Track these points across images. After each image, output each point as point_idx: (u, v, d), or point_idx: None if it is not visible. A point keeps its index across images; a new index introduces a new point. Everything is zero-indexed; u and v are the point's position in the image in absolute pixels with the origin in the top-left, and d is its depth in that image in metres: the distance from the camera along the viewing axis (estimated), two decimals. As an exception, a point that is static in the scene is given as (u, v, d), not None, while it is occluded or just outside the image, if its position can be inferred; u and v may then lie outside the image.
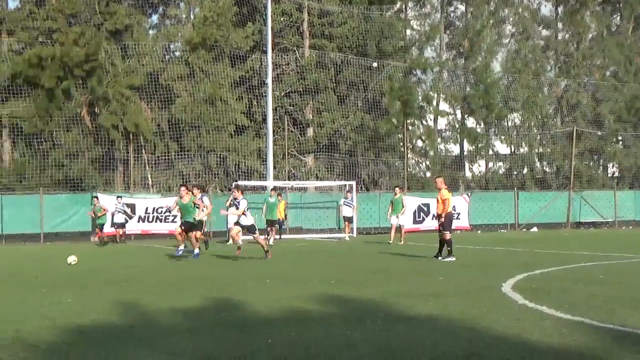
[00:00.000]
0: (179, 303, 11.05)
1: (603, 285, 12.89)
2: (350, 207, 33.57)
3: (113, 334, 8.58)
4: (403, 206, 28.63)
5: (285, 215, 34.56)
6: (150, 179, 39.93)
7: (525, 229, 39.91)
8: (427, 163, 48.59)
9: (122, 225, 32.39)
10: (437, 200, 20.08)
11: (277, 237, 31.90)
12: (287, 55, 44.41)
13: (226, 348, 7.59)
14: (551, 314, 9.58)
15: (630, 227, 42.26)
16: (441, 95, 49.16)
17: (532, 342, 7.69)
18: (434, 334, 8.29)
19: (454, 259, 19.12)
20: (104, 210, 30.70)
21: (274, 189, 31.25)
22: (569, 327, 8.54)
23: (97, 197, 31.58)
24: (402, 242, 27.60)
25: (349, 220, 33.63)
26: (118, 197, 32.85)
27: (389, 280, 14.26)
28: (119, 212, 32.01)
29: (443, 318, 9.37)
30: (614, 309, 9.95)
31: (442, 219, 19.74)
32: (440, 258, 19.45)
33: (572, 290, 11.99)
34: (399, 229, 28.69)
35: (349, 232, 33.44)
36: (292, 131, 43.75)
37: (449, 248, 19.40)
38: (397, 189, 29.40)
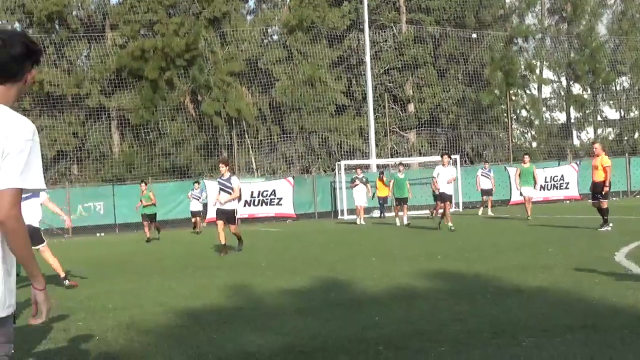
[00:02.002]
0: (287, 284, 11.16)
1: None
2: (488, 178, 30.88)
3: (222, 316, 8.74)
4: (535, 176, 25.05)
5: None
6: (254, 163, 40.51)
7: (638, 196, 38.56)
8: (533, 133, 47.55)
9: (198, 213, 30.02)
10: (596, 167, 18.79)
11: (381, 215, 31.83)
12: (385, 31, 44.15)
13: (334, 327, 7.62)
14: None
15: None
16: (544, 62, 47.91)
17: (649, 312, 7.44)
18: (546, 306, 8.10)
19: (609, 228, 17.96)
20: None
21: (402, 164, 29.72)
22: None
23: (197, 183, 31.16)
24: (529, 216, 24.50)
25: (488, 193, 30.87)
26: (195, 182, 30.94)
27: (498, 255, 14.02)
28: (194, 198, 29.86)
29: (554, 290, 9.15)
30: None
31: (607, 188, 18.44)
32: (604, 228, 18.01)
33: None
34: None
35: (489, 208, 30.42)
36: (392, 108, 43.54)
37: (605, 217, 18.28)
38: (526, 157, 25.89)
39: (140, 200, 26.92)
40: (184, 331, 7.95)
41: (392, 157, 41.20)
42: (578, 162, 38.99)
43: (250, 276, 12.54)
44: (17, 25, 40.00)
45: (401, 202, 26.95)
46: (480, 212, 30.14)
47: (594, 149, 19.24)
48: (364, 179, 29.21)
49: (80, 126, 38.52)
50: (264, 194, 35.16)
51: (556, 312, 7.67)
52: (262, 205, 35.29)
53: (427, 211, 32.28)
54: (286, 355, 6.46)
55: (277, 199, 34.88)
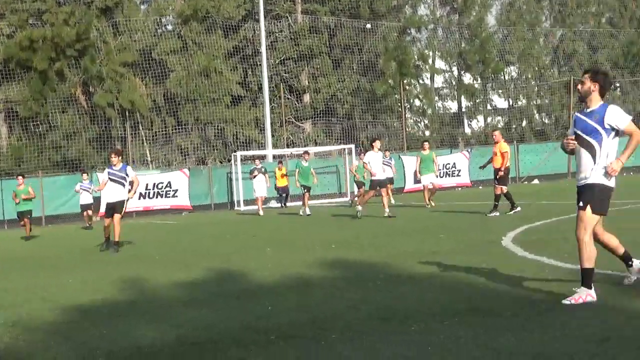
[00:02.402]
0: (181, 277, 11.06)
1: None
2: (389, 167, 29.53)
3: (115, 310, 8.60)
4: (435, 163, 25.09)
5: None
6: (149, 155, 39.93)
7: (526, 182, 39.86)
8: (426, 122, 48.49)
9: (89, 206, 27.78)
10: (495, 153, 19.64)
11: (282, 205, 31.76)
12: (280, 22, 44.16)
13: (227, 318, 7.61)
14: (551, 264, 9.60)
15: (631, 173, 42.18)
16: (437, 52, 48.88)
17: (533, 293, 7.71)
18: (435, 291, 8.31)
19: (519, 209, 18.67)
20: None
21: (307, 152, 29.10)
22: (568, 275, 8.55)
23: (85, 173, 29.10)
24: (430, 204, 24.03)
25: (389, 181, 28.68)
26: (83, 172, 28.85)
27: (391, 242, 14.27)
28: (84, 190, 27.56)
29: (444, 275, 9.39)
30: (612, 255, 9.94)
31: (502, 172, 19.38)
32: (514, 210, 18.59)
33: (571, 240, 11.95)
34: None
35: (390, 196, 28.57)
36: (288, 98, 43.63)
37: (496, 203, 18.90)
38: (425, 144, 25.98)
39: (15, 194, 25.01)
40: (73, 327, 7.79)
41: (288, 147, 41.29)
42: (469, 150, 39.99)
43: (143, 270, 12.37)
44: None
45: (307, 189, 26.47)
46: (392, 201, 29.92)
47: (494, 137, 20.09)
48: (263, 169, 29.13)
49: (-35, 119, 37.18)
50: (159, 186, 34.66)
51: (444, 297, 7.88)
52: (157, 197, 34.78)
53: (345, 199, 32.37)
54: (178, 348, 6.42)
55: (173, 190, 34.45)
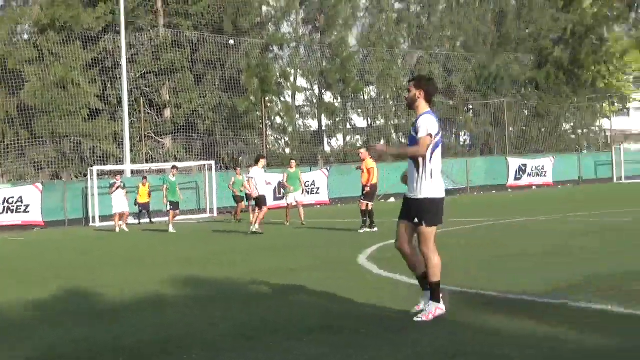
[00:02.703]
0: (29, 295, 10.66)
1: (453, 250, 13.36)
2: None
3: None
4: (301, 181, 25.32)
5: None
6: (0, 169, 38.32)
7: (383, 200, 40.78)
8: (287, 139, 48.82)
9: None
10: (362, 170, 19.96)
11: (149, 221, 31.12)
12: (142, 35, 43.43)
13: (76, 337, 7.39)
14: (405, 281, 9.85)
15: (482, 193, 43.96)
16: (298, 70, 49.39)
17: (386, 310, 7.90)
18: (292, 308, 8.40)
19: (376, 229, 18.93)
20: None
21: (175, 167, 28.14)
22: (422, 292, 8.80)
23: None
24: (299, 221, 23.60)
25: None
26: None
27: (250, 259, 14.30)
28: None
29: (300, 293, 9.50)
30: (463, 272, 10.35)
31: (368, 189, 19.67)
32: (371, 229, 18.95)
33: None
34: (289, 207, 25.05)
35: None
36: (148, 113, 42.93)
37: (364, 219, 19.27)
38: (292, 161, 26.06)
39: None
40: None
41: (147, 162, 40.59)
42: (328, 168, 40.58)
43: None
44: None
45: (174, 206, 25.70)
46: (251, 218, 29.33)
47: (360, 154, 20.53)
48: (122, 184, 28.51)
49: None
50: (10, 200, 33.30)
51: (298, 314, 7.97)
52: (7, 212, 33.39)
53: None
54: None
55: (24, 205, 33.16)
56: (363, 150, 20.52)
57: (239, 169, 30.27)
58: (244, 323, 7.64)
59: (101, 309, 9.18)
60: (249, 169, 23.74)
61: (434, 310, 7.17)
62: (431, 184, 7.23)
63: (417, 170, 7.26)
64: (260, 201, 21.37)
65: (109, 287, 10.99)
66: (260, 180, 21.38)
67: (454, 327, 6.91)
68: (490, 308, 7.81)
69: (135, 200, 31.14)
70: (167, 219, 26.17)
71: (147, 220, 31.57)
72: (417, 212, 7.25)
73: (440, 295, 7.28)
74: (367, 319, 7.51)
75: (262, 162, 22.08)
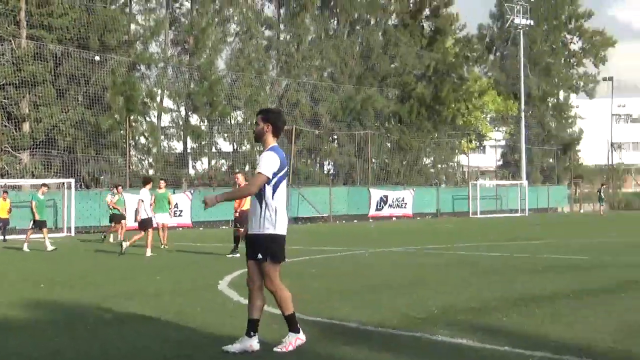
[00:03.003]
0: None
1: (314, 279, 13.48)
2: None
3: None
4: (170, 202, 24.88)
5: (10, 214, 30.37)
6: None
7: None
8: (150, 160, 48.01)
9: None
10: None
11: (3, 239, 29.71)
12: (2, 45, 41.78)
13: None
14: (266, 309, 9.79)
15: (344, 221, 44.60)
16: (165, 91, 48.79)
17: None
18: (145, 336, 8.19)
19: (238, 255, 18.42)
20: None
21: (45, 185, 26.54)
22: (280, 322, 8.78)
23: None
24: (165, 245, 23.24)
25: (121, 217, 28.46)
26: None
27: (105, 282, 13.91)
28: None
29: (156, 319, 9.28)
30: (323, 302, 10.42)
31: (236, 214, 19.58)
32: (231, 255, 18.75)
33: (290, 284, 12.39)
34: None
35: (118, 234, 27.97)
36: (6, 126, 41.25)
37: (236, 244, 19.15)
38: (161, 182, 25.18)
39: None
40: None
41: (2, 177, 38.95)
42: (192, 191, 40.18)
43: None
44: None
45: (41, 224, 24.40)
46: (111, 239, 27.90)
47: (236, 179, 20.43)
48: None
49: None
50: None
51: (155, 343, 7.78)
52: None
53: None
54: None
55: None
56: (239, 175, 20.50)
57: (120, 187, 29.62)
58: (91, 352, 7.39)
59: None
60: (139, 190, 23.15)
61: (294, 341, 7.17)
62: (273, 221, 7.15)
63: (260, 207, 7.17)
64: (146, 224, 21.03)
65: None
66: (147, 202, 21.29)
67: (314, 359, 6.92)
68: (349, 339, 7.88)
69: None
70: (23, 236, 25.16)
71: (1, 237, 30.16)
72: (260, 248, 7.19)
73: (298, 325, 7.28)
74: (224, 345, 7.37)
75: (150, 184, 21.84)
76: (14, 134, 41.25)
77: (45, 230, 24.60)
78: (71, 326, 8.93)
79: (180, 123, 49.65)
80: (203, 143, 49.19)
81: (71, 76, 42.98)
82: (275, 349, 7.14)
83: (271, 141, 7.34)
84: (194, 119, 49.66)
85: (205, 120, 49.03)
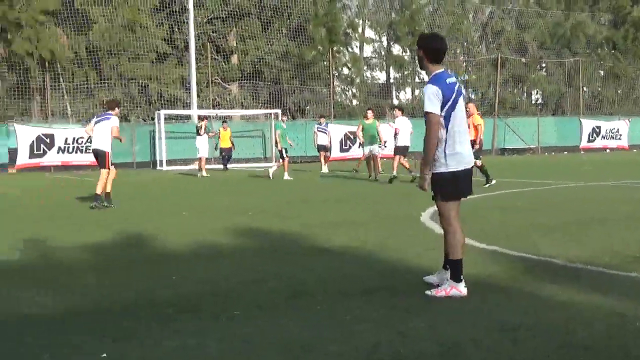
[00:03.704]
0: (89, 238, 10.57)
1: (518, 213, 12.88)
2: (325, 133, 30.20)
3: (7, 273, 8.10)
4: (379, 133, 23.17)
5: (232, 144, 31.63)
6: (69, 109, 38.68)
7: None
8: (354, 91, 48.27)
9: None
10: (469, 125, 19.18)
11: (224, 167, 31.01)
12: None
13: (126, 286, 7.20)
14: (469, 244, 9.41)
15: (553, 153, 42.93)
16: (367, 21, 48.57)
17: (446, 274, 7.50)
18: (347, 266, 8.05)
19: (494, 182, 18.68)
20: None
21: (285, 114, 27.09)
22: (482, 255, 8.39)
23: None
24: (375, 176, 22.55)
25: (325, 149, 30.05)
26: None
27: (310, 211, 14.02)
28: None
29: (358, 249, 9.13)
30: (526, 237, 9.86)
31: (477, 145, 18.94)
32: (488, 184, 18.54)
33: (487, 218, 11.92)
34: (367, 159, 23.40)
35: (326, 164, 29.18)
36: (215, 59, 42.80)
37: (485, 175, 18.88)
38: (369, 112, 24.00)
39: None
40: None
41: (213, 108, 40.59)
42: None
43: (49, 229, 11.82)
44: None
45: (285, 152, 25.09)
46: (323, 170, 28.32)
47: (468, 109, 19.61)
48: (207, 130, 28.66)
49: None
50: (79, 140, 33.73)
51: (356, 273, 7.61)
52: (76, 152, 33.87)
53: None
54: (68, 317, 6.00)
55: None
56: (471, 105, 19.65)
57: (323, 118, 30.27)
58: (296, 280, 7.34)
59: (156, 258, 8.98)
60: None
61: (449, 289, 6.60)
62: (444, 158, 6.56)
63: (437, 145, 6.61)
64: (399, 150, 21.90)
65: (167, 234, 10.81)
66: (406, 129, 21.91)
67: (518, 297, 6.48)
68: (555, 277, 7.32)
69: (216, 145, 31.10)
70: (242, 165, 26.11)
71: (222, 166, 31.29)
72: (434, 187, 6.70)
73: (462, 277, 6.70)
74: (421, 280, 7.08)
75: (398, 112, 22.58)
76: (223, 66, 42.69)
77: (286, 159, 24.99)
78: (275, 254, 8.97)
79: (383, 53, 49.37)
80: (406, 73, 48.70)
81: (275, 8, 43.72)
82: (426, 292, 6.65)
83: (431, 68, 6.66)
84: (396, 49, 49.19)
85: (408, 50, 48.40)
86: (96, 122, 15.88)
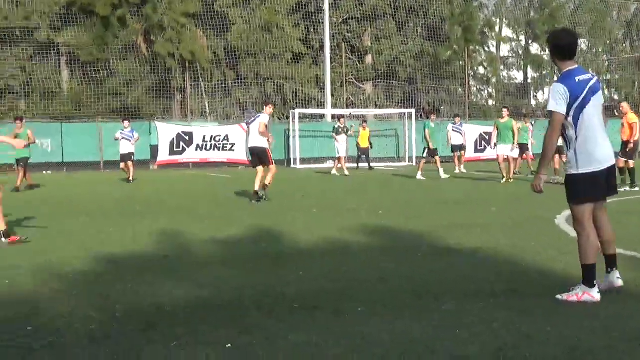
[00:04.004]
0: (221, 233, 10.86)
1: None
2: (460, 133, 29.58)
3: (144, 264, 8.42)
4: (514, 133, 21.90)
5: (371, 144, 31.50)
6: (207, 107, 39.86)
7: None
8: (490, 90, 47.48)
9: (129, 157, 24.83)
10: (622, 125, 18.53)
11: (369, 167, 31.01)
12: (345, -19, 43.46)
13: (256, 280, 7.34)
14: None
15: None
16: (504, 20, 47.66)
17: (575, 277, 7.23)
18: (475, 268, 7.90)
19: (637, 189, 17.89)
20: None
21: (433, 113, 26.31)
22: (620, 261, 8.05)
23: (127, 120, 25.96)
24: (508, 179, 21.42)
25: (460, 148, 29.50)
26: (125, 119, 25.96)
27: (440, 211, 13.88)
28: (125, 139, 24.93)
29: (488, 251, 8.95)
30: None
31: (631, 145, 18.26)
32: (634, 188, 17.86)
33: (625, 224, 11.42)
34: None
35: (461, 164, 28.85)
36: (350, 58, 43.07)
37: (622, 176, 17.87)
38: (504, 110, 22.89)
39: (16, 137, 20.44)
40: (100, 278, 7.62)
41: (347, 107, 40.86)
42: (533, 122, 38.95)
43: (185, 224, 12.21)
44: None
45: (435, 152, 24.72)
46: (457, 170, 28.04)
47: (621, 108, 18.99)
48: (346, 129, 28.94)
49: (28, 61, 37.33)
50: (217, 138, 34.71)
51: (484, 275, 7.46)
52: (214, 150, 34.84)
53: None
54: (198, 309, 6.17)
55: (230, 144, 34.48)
56: (624, 104, 18.91)
57: (458, 117, 30.03)
58: (422, 280, 7.26)
59: (284, 254, 9.10)
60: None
61: (581, 294, 6.29)
62: (574, 160, 6.27)
63: (566, 145, 6.36)
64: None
65: (297, 231, 10.95)
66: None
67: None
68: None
69: (357, 144, 31.31)
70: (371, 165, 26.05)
71: (366, 165, 31.39)
72: (566, 188, 6.45)
73: (596, 283, 6.38)
74: (555, 284, 6.81)
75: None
76: (358, 66, 42.91)
77: (437, 157, 24.72)
78: (402, 254, 8.92)
79: (520, 52, 48.34)
80: (544, 73, 47.47)
81: (410, 8, 43.59)
82: (557, 296, 6.37)
83: (562, 65, 6.39)
84: (535, 48, 48.03)
85: (547, 49, 47.07)
86: (250, 123, 16.57)
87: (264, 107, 17.01)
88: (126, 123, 25.36)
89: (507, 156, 21.93)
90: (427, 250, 9.12)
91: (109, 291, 6.92)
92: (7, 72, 36.44)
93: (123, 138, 24.95)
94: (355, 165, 31.54)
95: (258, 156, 16.49)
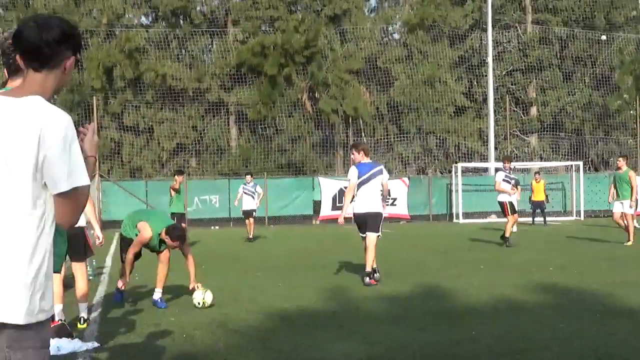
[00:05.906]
0: (388, 289, 10.85)
1: None
2: None
3: (314, 320, 8.51)
4: (632, 187, 18.75)
5: (547, 197, 30.59)
6: (370, 162, 40.16)
7: None
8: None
9: (251, 213, 23.39)
10: None
11: (544, 222, 29.67)
12: (509, 32, 43.02)
13: (427, 339, 7.26)
14: None
15: None
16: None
17: None
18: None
19: None
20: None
21: (620, 159, 23.81)
22: None
23: (250, 175, 24.53)
24: (630, 242, 18.45)
25: None
26: (248, 174, 24.50)
27: (613, 269, 13.25)
28: (247, 194, 23.59)
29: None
30: None
31: None
32: None
33: None
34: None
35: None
36: (514, 110, 42.40)
37: None
38: (620, 159, 19.62)
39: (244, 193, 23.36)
40: (272, 334, 7.76)
41: (511, 161, 40.02)
42: None
43: (351, 279, 12.28)
44: (142, 19, 41.09)
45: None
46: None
47: None
48: (514, 182, 28.30)
49: (199, 120, 39.09)
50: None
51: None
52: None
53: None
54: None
55: (392, 199, 34.48)
56: None
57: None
58: (598, 342, 6.94)
59: (454, 311, 8.96)
60: None
61: None
62: None
63: None
64: None
65: (465, 288, 10.78)
66: None
67: None
68: None
69: (530, 198, 30.49)
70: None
71: (542, 220, 30.17)
72: None
73: None
74: None
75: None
76: (522, 118, 42.19)
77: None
78: (578, 314, 8.56)
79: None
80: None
81: (577, 58, 42.56)
82: None
83: None
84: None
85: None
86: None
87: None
88: (248, 178, 23.92)
89: (623, 212, 19.09)
90: (603, 310, 8.73)
91: (281, 346, 7.04)
92: (181, 131, 38.27)
93: (245, 193, 23.65)
94: (530, 220, 30.40)
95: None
